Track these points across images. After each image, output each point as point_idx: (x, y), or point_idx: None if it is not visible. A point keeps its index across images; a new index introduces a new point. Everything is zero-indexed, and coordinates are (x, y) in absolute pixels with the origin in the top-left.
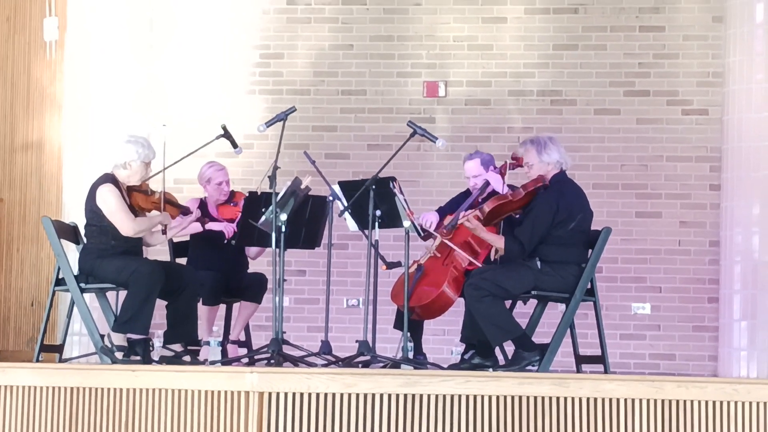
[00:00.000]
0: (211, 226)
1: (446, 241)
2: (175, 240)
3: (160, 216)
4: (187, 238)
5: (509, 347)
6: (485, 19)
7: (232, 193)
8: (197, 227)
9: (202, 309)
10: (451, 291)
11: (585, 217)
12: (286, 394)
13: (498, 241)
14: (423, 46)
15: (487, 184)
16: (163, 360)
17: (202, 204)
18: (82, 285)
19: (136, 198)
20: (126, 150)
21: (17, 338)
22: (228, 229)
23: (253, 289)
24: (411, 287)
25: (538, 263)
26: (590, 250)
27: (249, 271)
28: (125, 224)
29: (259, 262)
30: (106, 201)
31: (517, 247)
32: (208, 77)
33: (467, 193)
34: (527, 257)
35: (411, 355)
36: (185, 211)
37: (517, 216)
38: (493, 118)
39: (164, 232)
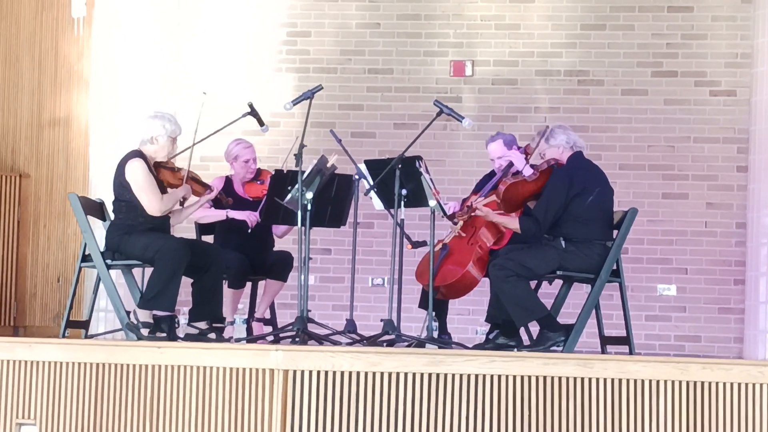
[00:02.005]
0: (234, 215)
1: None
2: (201, 222)
3: (182, 190)
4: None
5: (534, 327)
6: None
7: (259, 171)
8: (221, 215)
9: (227, 291)
10: (476, 270)
11: (604, 192)
12: (310, 372)
13: (512, 223)
14: (450, 25)
15: (510, 164)
16: (189, 337)
17: (228, 182)
18: (108, 261)
19: (164, 174)
20: (153, 125)
21: (43, 314)
22: (251, 218)
23: (279, 267)
24: (436, 267)
25: (563, 242)
26: (616, 231)
27: (275, 249)
28: (152, 204)
29: (285, 240)
30: (135, 175)
31: (533, 224)
32: (235, 55)
33: (491, 175)
34: (545, 235)
35: (436, 334)
36: (209, 189)
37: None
38: (520, 97)
39: (182, 203)
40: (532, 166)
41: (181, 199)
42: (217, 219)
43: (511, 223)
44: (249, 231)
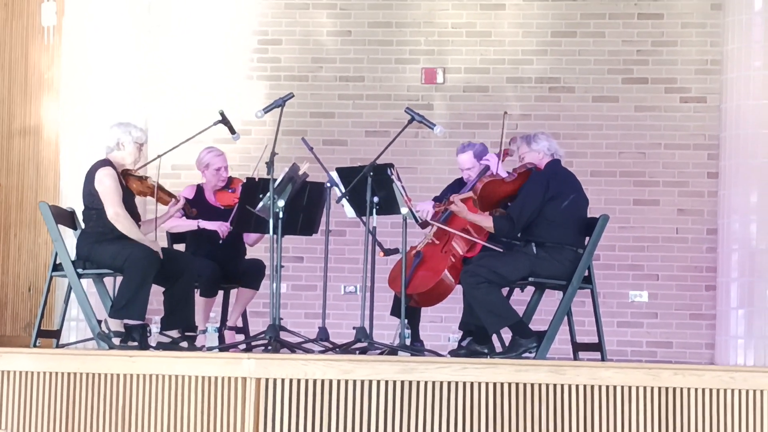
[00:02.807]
0: (205, 225)
1: (443, 226)
2: (172, 232)
3: (149, 241)
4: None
5: (506, 334)
6: (484, 6)
7: (230, 180)
8: (192, 225)
9: (198, 299)
10: (450, 278)
11: (578, 199)
12: (283, 381)
13: (485, 221)
14: (421, 33)
15: (486, 168)
16: (160, 346)
17: (200, 190)
18: (79, 270)
19: (132, 182)
20: (119, 131)
21: (14, 323)
22: (222, 228)
23: (251, 275)
24: (409, 274)
25: (534, 248)
26: (587, 238)
27: (246, 257)
28: (113, 207)
29: (257, 248)
30: (102, 182)
31: (507, 223)
32: (206, 63)
33: (461, 182)
34: (517, 242)
35: (408, 342)
36: (175, 199)
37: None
38: (492, 105)
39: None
40: (508, 172)
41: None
42: (189, 229)
43: (485, 221)
44: (220, 241)
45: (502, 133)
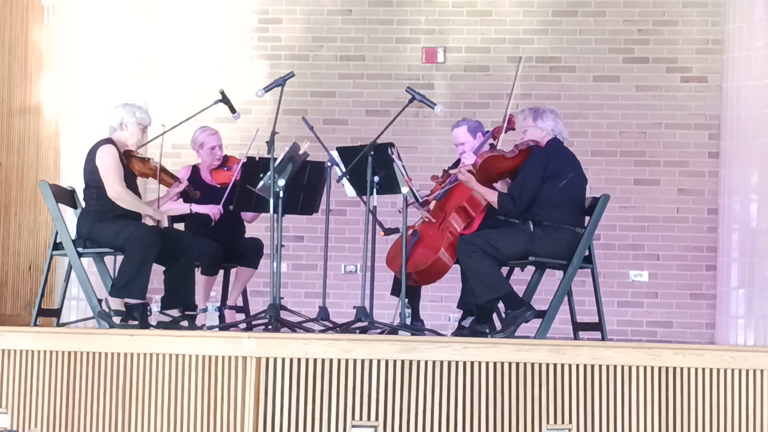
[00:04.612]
0: (197, 209)
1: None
2: (170, 214)
3: (151, 210)
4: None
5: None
6: None
7: (226, 158)
8: (184, 209)
9: (199, 278)
10: (447, 256)
11: (577, 178)
12: (283, 360)
13: (491, 195)
14: (422, 12)
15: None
16: (161, 325)
17: (195, 170)
18: (80, 249)
19: (134, 162)
20: (123, 111)
21: (15, 302)
22: (214, 211)
23: (250, 254)
24: (407, 253)
25: (531, 226)
26: (587, 218)
27: (246, 236)
28: (114, 186)
29: (257, 227)
30: (104, 160)
31: (509, 201)
32: (206, 42)
33: (455, 165)
34: (520, 216)
35: (408, 321)
36: (178, 181)
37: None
38: (492, 84)
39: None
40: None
41: (155, 222)
42: (181, 213)
43: (490, 195)
44: (212, 224)
45: (515, 76)
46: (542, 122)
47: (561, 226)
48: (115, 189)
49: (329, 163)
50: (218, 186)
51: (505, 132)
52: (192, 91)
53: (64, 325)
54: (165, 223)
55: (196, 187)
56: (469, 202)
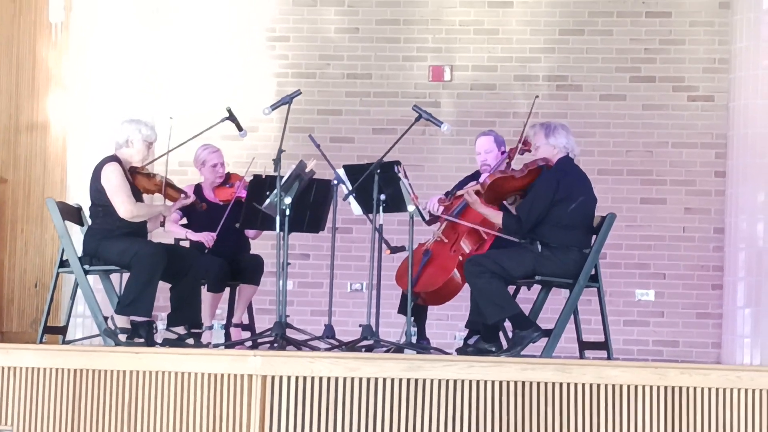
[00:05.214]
0: (191, 236)
1: (453, 219)
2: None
3: (161, 207)
4: (185, 220)
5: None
6: (491, 4)
7: (228, 175)
8: (180, 234)
9: (205, 295)
10: (459, 277)
11: (587, 201)
12: (289, 378)
13: (496, 217)
14: (429, 30)
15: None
16: (167, 343)
17: (198, 188)
18: (86, 267)
19: (139, 179)
20: (128, 128)
21: (21, 320)
22: (207, 239)
23: (251, 271)
24: (417, 272)
25: (539, 246)
26: (594, 236)
27: (251, 252)
28: (125, 206)
29: (263, 245)
30: (110, 179)
31: (515, 222)
32: (213, 60)
33: (474, 176)
34: (526, 237)
35: (414, 339)
36: (184, 194)
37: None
38: (499, 103)
39: (163, 224)
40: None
41: (162, 218)
42: (178, 237)
43: (495, 216)
44: (206, 251)
45: (529, 114)
46: (554, 139)
47: (569, 247)
48: (126, 209)
49: (335, 181)
50: (221, 203)
51: (521, 153)
52: (199, 108)
53: (69, 342)
54: (168, 212)
55: None
56: (483, 225)
